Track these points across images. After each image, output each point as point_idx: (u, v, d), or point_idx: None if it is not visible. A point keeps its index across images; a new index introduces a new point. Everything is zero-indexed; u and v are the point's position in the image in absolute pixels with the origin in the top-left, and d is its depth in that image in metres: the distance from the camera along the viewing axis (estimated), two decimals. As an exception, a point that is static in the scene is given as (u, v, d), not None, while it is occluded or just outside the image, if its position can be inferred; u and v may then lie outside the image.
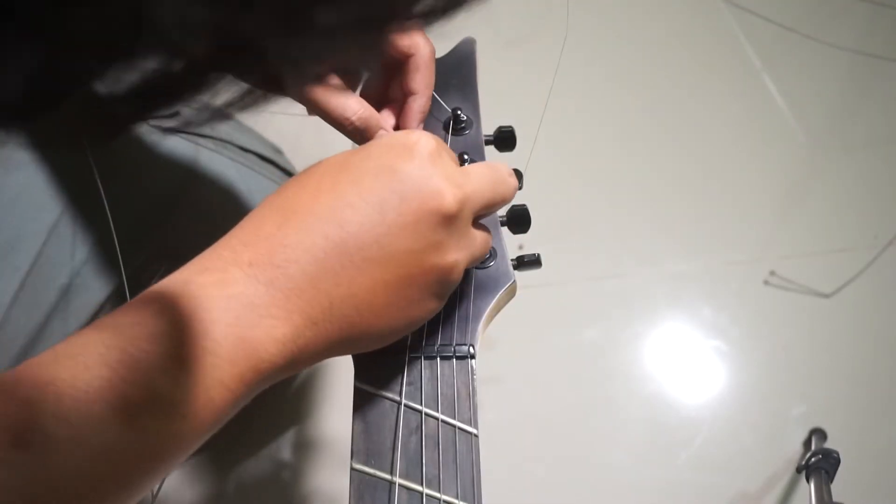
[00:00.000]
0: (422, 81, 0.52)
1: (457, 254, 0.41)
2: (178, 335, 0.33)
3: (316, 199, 0.38)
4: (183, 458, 0.35)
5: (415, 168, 0.39)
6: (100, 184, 0.57)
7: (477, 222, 0.44)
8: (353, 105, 0.49)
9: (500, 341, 1.10)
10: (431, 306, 0.41)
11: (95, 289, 0.59)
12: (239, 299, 0.35)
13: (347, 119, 0.49)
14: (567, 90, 1.33)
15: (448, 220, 0.39)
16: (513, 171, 0.46)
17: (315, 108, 0.50)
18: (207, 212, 0.65)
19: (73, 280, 0.58)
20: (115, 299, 0.60)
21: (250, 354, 0.35)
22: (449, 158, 0.42)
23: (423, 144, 0.40)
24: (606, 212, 1.26)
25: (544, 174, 1.25)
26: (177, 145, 0.66)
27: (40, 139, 0.57)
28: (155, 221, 0.64)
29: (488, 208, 0.44)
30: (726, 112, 1.35)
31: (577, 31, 1.39)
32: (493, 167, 0.44)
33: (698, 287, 1.21)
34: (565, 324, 1.16)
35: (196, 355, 0.33)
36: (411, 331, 0.43)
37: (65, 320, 0.58)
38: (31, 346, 0.57)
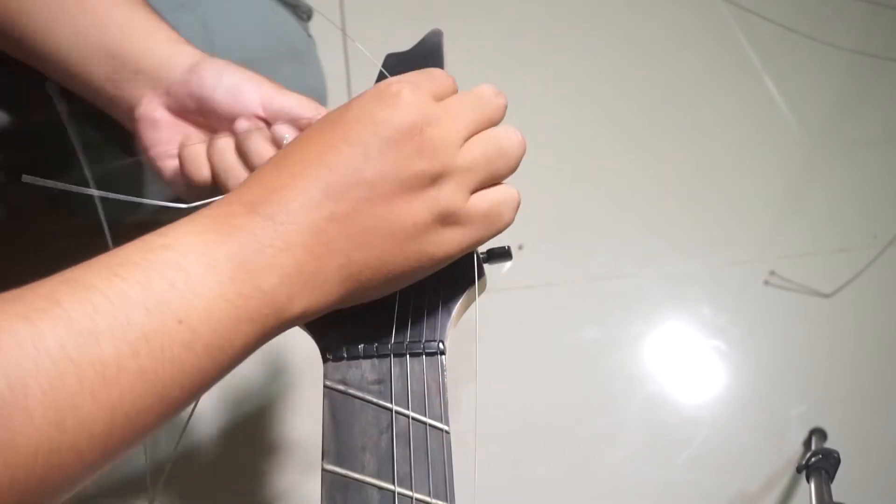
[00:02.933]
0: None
1: (447, 184, 0.42)
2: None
3: (307, 148, 0.41)
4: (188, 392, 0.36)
5: (394, 115, 0.41)
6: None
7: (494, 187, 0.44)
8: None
9: (500, 341, 1.10)
10: (427, 247, 0.42)
11: None
12: (242, 229, 0.38)
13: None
14: (567, 90, 1.34)
15: (427, 150, 0.41)
16: (499, 92, 0.46)
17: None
18: None
19: None
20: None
21: (250, 280, 0.37)
22: (429, 99, 0.43)
23: (404, 96, 0.41)
24: (607, 212, 1.26)
25: (545, 174, 1.25)
26: None
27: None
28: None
29: (476, 129, 0.44)
30: (726, 112, 1.35)
31: (577, 30, 1.40)
32: (474, 92, 0.45)
33: (698, 287, 1.21)
34: (565, 324, 1.16)
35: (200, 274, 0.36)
36: (417, 274, 0.43)
37: None
38: None
